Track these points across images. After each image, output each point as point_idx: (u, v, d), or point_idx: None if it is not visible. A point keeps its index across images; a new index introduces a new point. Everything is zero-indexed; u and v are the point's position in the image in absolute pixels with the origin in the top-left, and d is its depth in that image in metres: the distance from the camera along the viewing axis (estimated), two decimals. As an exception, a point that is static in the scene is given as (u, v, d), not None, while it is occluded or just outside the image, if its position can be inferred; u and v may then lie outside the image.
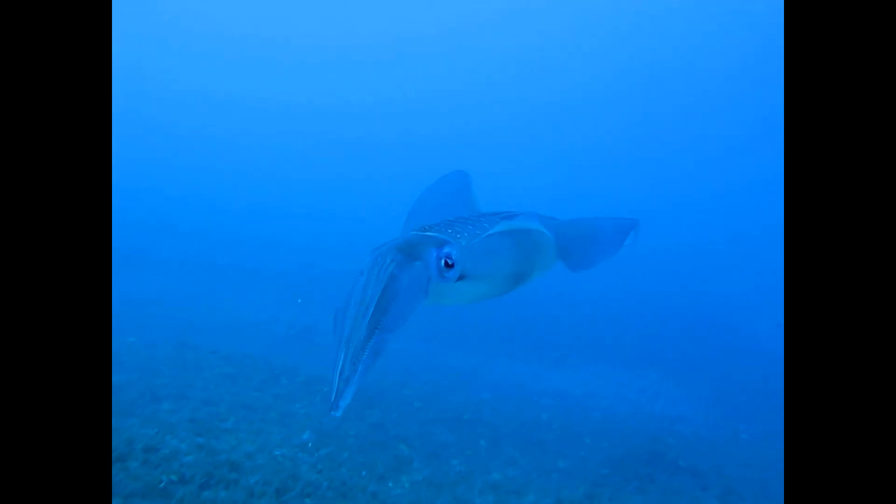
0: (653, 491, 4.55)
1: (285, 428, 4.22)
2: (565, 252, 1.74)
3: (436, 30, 31.18)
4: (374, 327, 1.27)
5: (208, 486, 2.94)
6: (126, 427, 3.58)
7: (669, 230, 19.24)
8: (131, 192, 17.11)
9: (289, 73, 34.02)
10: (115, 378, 4.82)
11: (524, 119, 32.35)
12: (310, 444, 4.01)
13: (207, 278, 10.63)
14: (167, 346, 6.15)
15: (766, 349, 10.17)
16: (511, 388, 6.90)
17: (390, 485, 3.60)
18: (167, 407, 4.38)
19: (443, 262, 1.41)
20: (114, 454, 3.06)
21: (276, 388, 5.44)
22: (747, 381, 7.90)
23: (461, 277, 1.46)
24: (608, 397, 7.03)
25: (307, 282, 10.82)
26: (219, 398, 4.76)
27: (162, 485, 2.87)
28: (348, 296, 1.35)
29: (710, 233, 20.75)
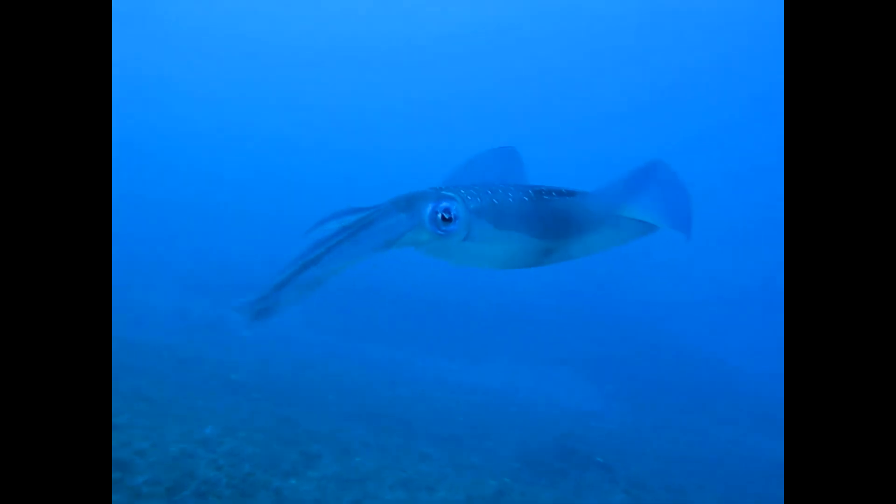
0: (564, 485, 4.61)
1: (186, 423, 3.98)
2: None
3: (445, 31, 30.92)
4: (325, 254, 1.25)
5: (91, 486, 2.70)
6: None
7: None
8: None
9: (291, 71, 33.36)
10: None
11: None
12: (212, 440, 3.80)
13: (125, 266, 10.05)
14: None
15: (683, 347, 10.60)
16: (429, 383, 6.85)
17: (294, 482, 3.45)
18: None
19: (439, 215, 1.36)
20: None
21: (182, 379, 5.15)
22: (657, 378, 8.19)
23: (468, 238, 1.40)
24: (524, 392, 7.10)
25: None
26: (114, 391, 4.45)
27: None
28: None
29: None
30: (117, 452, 3.09)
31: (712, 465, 6.12)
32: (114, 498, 2.60)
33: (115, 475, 2.79)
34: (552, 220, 1.47)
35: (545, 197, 1.50)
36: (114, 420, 3.76)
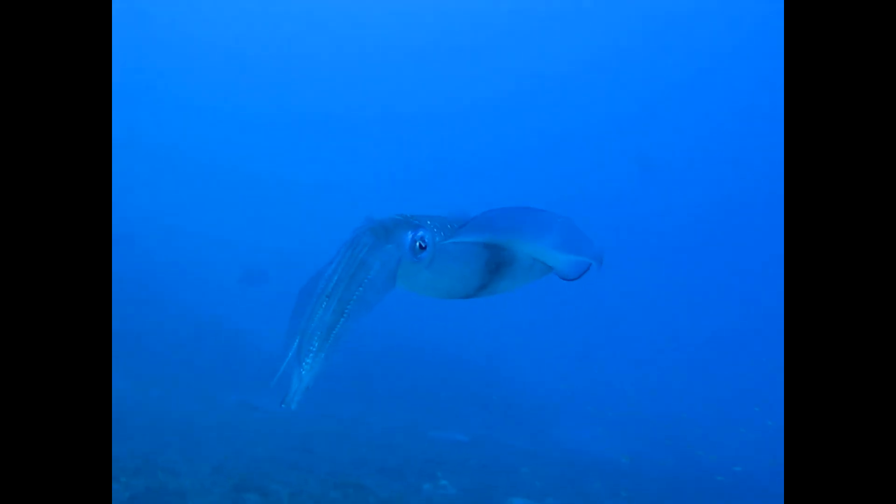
0: None
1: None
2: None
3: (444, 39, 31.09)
4: (340, 314, 1.26)
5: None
6: None
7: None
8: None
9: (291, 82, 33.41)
10: None
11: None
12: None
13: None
14: None
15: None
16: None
17: None
18: None
19: (417, 244, 1.43)
20: None
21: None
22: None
23: (430, 266, 1.48)
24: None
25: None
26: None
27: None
28: (314, 278, 1.33)
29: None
30: None
31: None
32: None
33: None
34: (490, 257, 1.60)
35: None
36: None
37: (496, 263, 1.60)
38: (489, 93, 32.40)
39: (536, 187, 29.78)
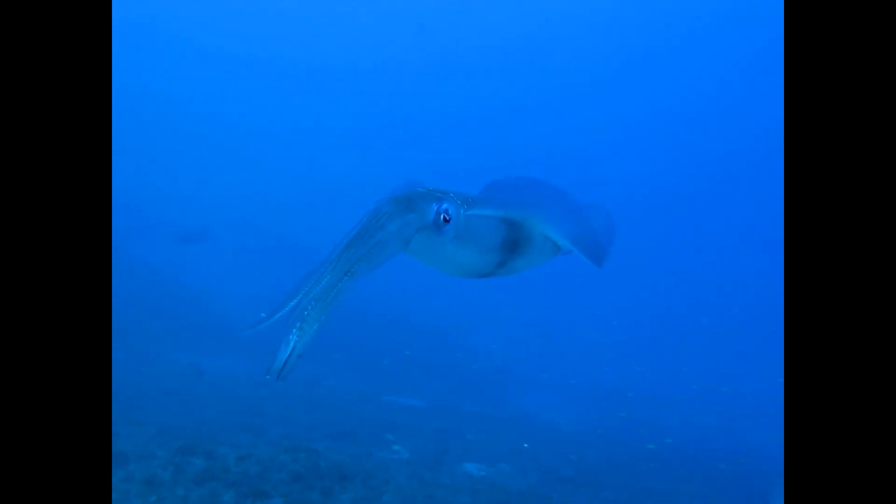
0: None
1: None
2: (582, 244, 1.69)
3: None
4: (345, 273, 1.25)
5: None
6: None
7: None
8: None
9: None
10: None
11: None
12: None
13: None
14: None
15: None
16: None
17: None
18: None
19: (441, 216, 1.42)
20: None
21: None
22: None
23: (454, 239, 1.47)
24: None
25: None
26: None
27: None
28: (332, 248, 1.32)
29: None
30: None
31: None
32: None
33: None
34: (508, 233, 1.60)
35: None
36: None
37: (513, 241, 1.60)
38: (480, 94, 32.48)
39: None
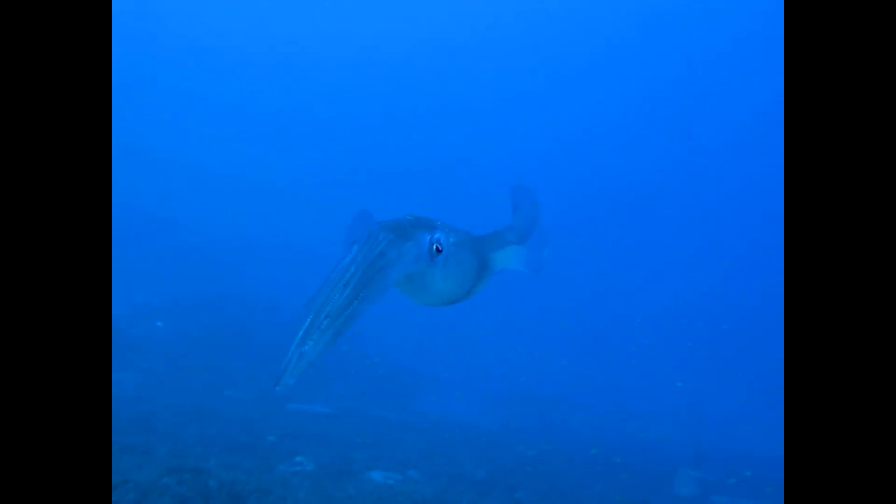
0: None
1: None
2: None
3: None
4: (355, 297, 1.25)
5: None
6: None
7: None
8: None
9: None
10: None
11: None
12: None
13: None
14: None
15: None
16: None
17: None
18: None
19: (434, 246, 1.45)
20: None
21: None
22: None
23: (442, 268, 1.49)
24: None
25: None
26: None
27: None
28: (328, 276, 1.31)
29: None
30: None
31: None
32: None
33: None
34: (480, 259, 1.64)
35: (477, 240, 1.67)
36: None
37: (483, 265, 1.65)
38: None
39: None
